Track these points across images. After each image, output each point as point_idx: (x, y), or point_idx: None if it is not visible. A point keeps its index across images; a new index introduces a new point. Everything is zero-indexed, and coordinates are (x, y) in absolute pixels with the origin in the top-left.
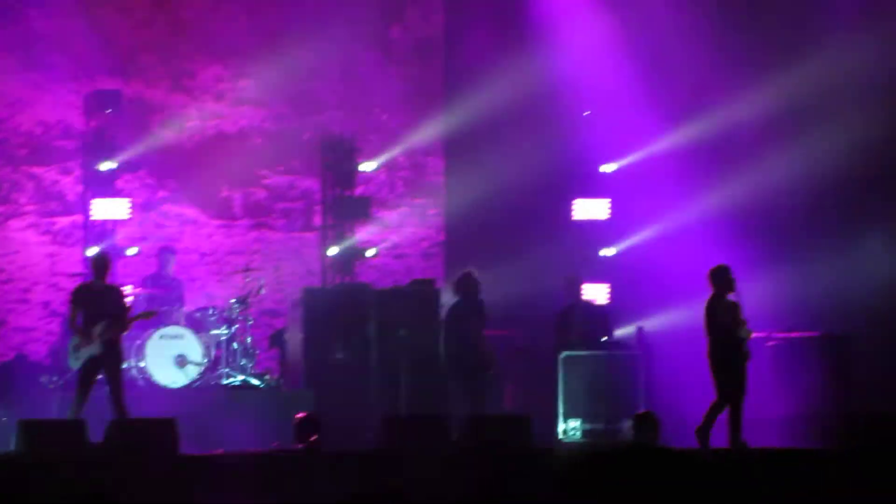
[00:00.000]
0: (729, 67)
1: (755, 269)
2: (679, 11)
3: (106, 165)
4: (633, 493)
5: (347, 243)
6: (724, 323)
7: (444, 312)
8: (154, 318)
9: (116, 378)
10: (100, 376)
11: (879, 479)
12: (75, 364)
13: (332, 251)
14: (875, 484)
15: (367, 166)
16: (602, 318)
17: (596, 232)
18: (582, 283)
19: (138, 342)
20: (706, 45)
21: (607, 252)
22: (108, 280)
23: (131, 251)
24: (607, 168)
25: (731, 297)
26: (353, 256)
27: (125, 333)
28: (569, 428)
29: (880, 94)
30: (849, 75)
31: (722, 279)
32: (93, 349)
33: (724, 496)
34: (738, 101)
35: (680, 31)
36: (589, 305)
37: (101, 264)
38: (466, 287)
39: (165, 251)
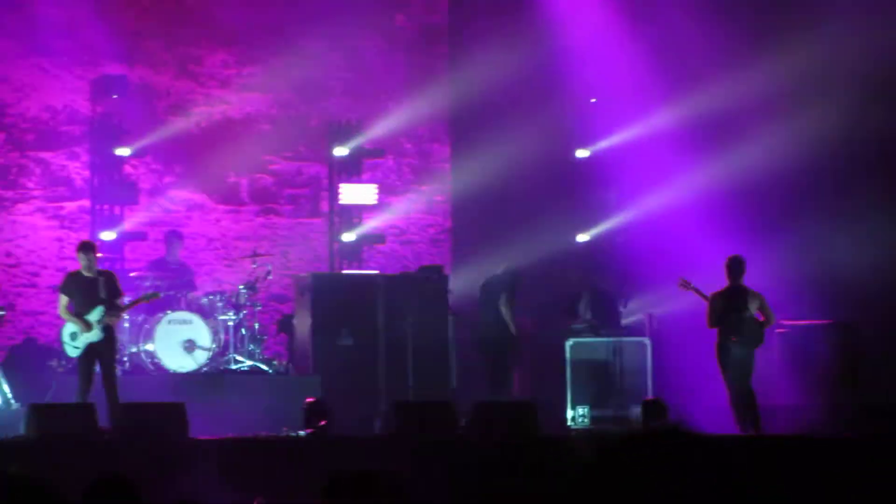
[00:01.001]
0: (726, 50)
1: (761, 254)
2: None
3: (113, 150)
4: (651, 479)
5: (355, 229)
6: None
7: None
8: (159, 300)
9: (112, 366)
10: None
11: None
12: (74, 352)
13: (348, 237)
14: (885, 473)
15: (373, 153)
16: (611, 303)
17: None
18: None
19: (147, 326)
20: (705, 26)
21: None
22: (98, 266)
23: (136, 236)
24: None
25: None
26: (361, 242)
27: (120, 318)
28: (577, 414)
29: (874, 78)
30: (843, 59)
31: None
32: (91, 336)
33: (741, 483)
34: (733, 82)
35: (681, 13)
36: (598, 292)
37: (86, 250)
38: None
39: (172, 235)
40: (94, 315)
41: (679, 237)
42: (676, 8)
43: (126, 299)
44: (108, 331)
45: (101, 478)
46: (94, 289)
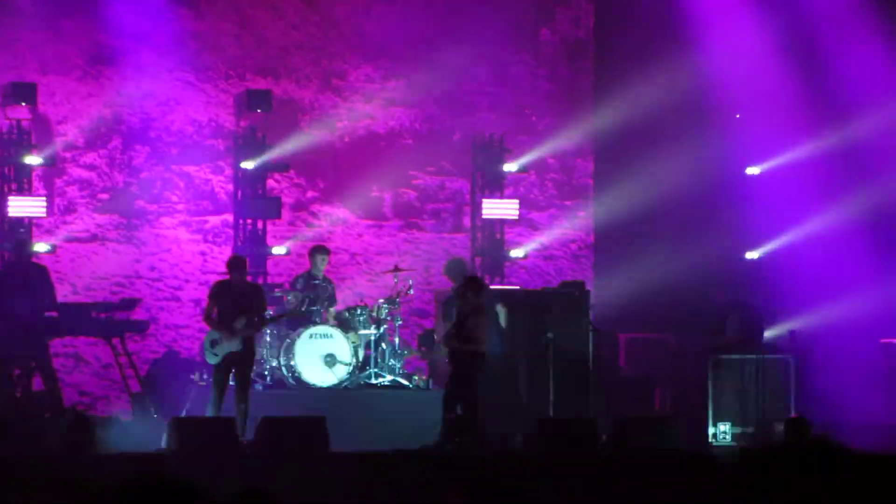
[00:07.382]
0: (881, 73)
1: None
2: (835, 10)
3: (254, 164)
4: (795, 493)
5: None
6: None
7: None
8: (303, 317)
9: (247, 378)
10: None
11: None
12: (212, 359)
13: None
14: None
15: (516, 168)
16: (758, 321)
17: (743, 234)
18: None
19: (288, 341)
20: (861, 44)
21: (755, 254)
22: (248, 279)
23: (279, 250)
24: (754, 170)
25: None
26: (502, 257)
27: (260, 332)
28: (719, 431)
29: None
30: None
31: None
32: (233, 345)
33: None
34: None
35: (835, 30)
36: (747, 309)
37: (236, 263)
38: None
39: (317, 251)
40: (238, 323)
41: (831, 257)
42: (829, 22)
43: (269, 313)
44: (248, 343)
45: (243, 491)
46: (241, 299)
